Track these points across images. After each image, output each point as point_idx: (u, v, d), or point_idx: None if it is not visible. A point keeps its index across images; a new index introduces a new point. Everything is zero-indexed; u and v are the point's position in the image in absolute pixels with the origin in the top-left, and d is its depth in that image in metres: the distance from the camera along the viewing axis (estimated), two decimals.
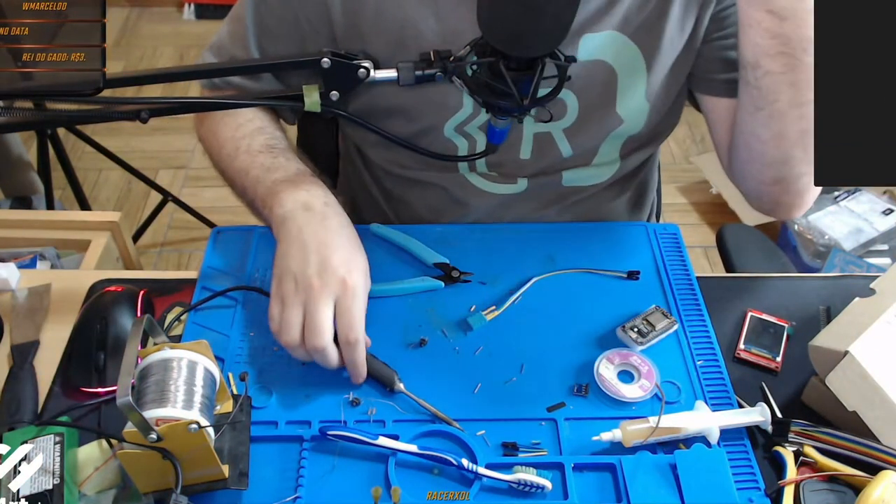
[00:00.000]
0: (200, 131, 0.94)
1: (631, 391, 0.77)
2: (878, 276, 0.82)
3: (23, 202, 2.09)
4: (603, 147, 0.93)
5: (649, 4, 0.82)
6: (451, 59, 0.70)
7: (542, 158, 0.93)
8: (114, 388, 0.78)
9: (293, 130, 1.11)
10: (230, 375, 0.78)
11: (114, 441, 0.71)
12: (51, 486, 0.66)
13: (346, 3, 0.82)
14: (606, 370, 0.78)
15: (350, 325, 0.73)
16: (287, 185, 0.81)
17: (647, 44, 0.85)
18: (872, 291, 0.79)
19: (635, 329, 0.81)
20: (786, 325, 0.84)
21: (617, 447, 0.72)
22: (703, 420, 0.72)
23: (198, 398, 0.65)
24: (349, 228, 0.79)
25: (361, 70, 0.72)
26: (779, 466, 0.72)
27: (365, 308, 0.76)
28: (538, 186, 0.95)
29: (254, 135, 0.88)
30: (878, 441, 0.70)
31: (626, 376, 0.79)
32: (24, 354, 0.84)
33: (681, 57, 0.87)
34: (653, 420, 0.72)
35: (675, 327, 0.83)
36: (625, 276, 0.88)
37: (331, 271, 0.73)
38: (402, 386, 0.77)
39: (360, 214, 1.09)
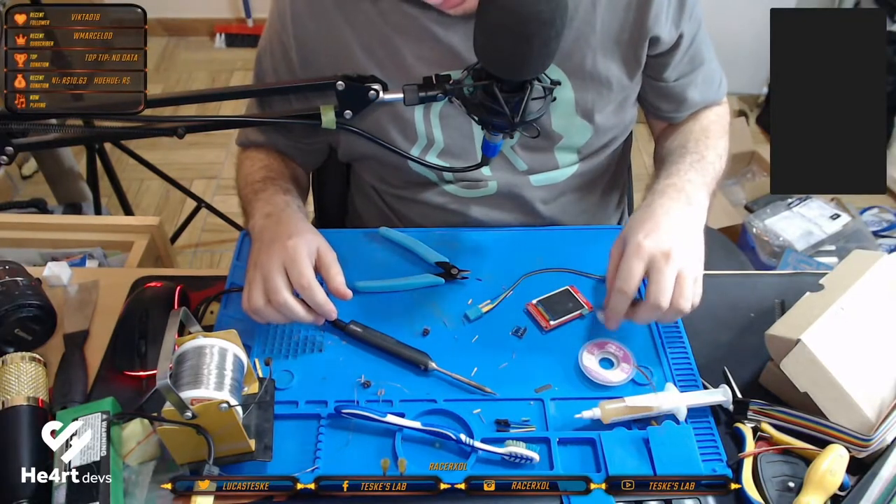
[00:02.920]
0: (237, 171, 1.00)
1: (615, 375, 0.77)
2: (826, 273, 0.82)
3: (74, 208, 2.09)
4: (558, 156, 0.94)
5: (570, 32, 0.83)
6: (451, 81, 0.70)
7: (504, 173, 0.94)
8: (154, 371, 0.78)
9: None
10: (256, 361, 0.78)
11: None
12: (98, 458, 0.66)
13: (302, 60, 0.87)
14: (589, 360, 0.78)
15: (298, 273, 0.75)
16: (261, 204, 0.86)
17: (569, 66, 0.86)
18: (821, 287, 0.79)
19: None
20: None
21: (597, 424, 0.72)
22: (673, 400, 0.72)
23: (228, 381, 0.65)
24: (301, 221, 0.83)
25: (372, 92, 0.72)
26: (739, 441, 0.72)
27: (333, 263, 0.78)
28: (508, 187, 0.95)
29: (258, 171, 0.93)
30: (825, 418, 0.70)
31: (607, 363, 0.79)
32: (75, 342, 0.84)
33: (615, 82, 0.88)
34: (628, 400, 0.72)
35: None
36: (603, 279, 0.88)
37: (276, 245, 0.77)
38: (434, 364, 0.77)
39: (367, 223, 1.09)
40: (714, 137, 0.92)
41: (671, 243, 0.73)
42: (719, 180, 0.89)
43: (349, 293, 0.79)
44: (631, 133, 1.02)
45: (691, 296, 0.73)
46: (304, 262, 0.76)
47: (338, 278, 0.79)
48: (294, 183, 0.95)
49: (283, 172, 0.95)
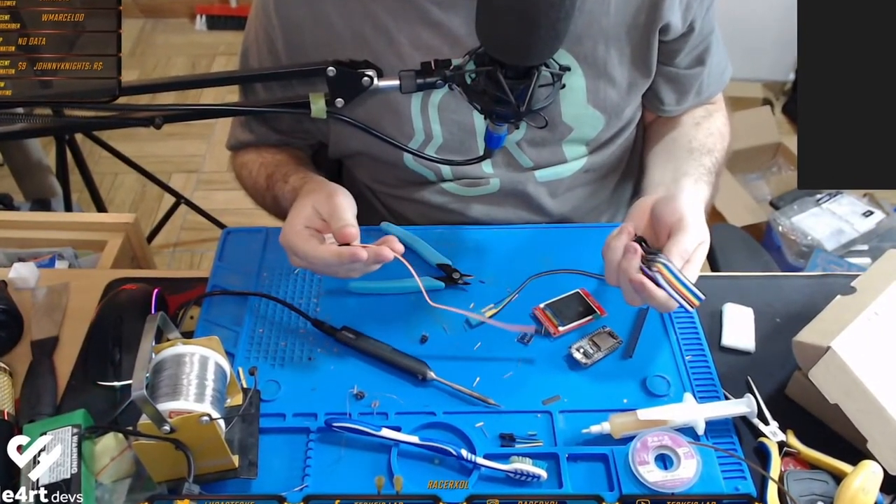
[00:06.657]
0: (240, 183, 1.02)
1: (685, 471, 0.69)
2: (858, 275, 0.82)
3: (42, 204, 2.09)
4: (566, 150, 0.94)
5: (581, 16, 0.83)
6: (451, 67, 0.70)
7: (506, 170, 0.94)
8: (129, 381, 0.78)
9: None
10: (240, 370, 0.78)
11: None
12: (69, 476, 0.66)
13: (287, 50, 0.87)
14: (649, 472, 0.69)
15: (300, 256, 0.76)
16: (286, 206, 0.86)
17: (580, 52, 0.86)
18: (853, 289, 0.79)
19: (581, 350, 0.80)
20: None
21: (609, 438, 0.72)
22: (689, 412, 0.72)
23: (209, 391, 0.65)
24: (296, 198, 0.82)
25: (365, 79, 0.72)
26: (764, 457, 0.72)
27: (332, 216, 0.76)
28: (511, 184, 0.95)
29: (259, 176, 0.95)
30: (856, 432, 0.70)
31: (665, 461, 0.71)
32: (43, 350, 0.84)
33: (629, 72, 0.89)
34: (640, 413, 0.72)
35: (619, 346, 0.81)
36: None
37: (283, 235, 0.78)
38: (433, 374, 0.78)
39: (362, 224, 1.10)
40: (717, 151, 0.94)
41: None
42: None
43: (355, 234, 0.75)
44: (640, 122, 1.02)
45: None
46: (298, 245, 0.76)
47: (344, 230, 0.75)
48: (294, 161, 0.96)
49: (280, 159, 0.96)
